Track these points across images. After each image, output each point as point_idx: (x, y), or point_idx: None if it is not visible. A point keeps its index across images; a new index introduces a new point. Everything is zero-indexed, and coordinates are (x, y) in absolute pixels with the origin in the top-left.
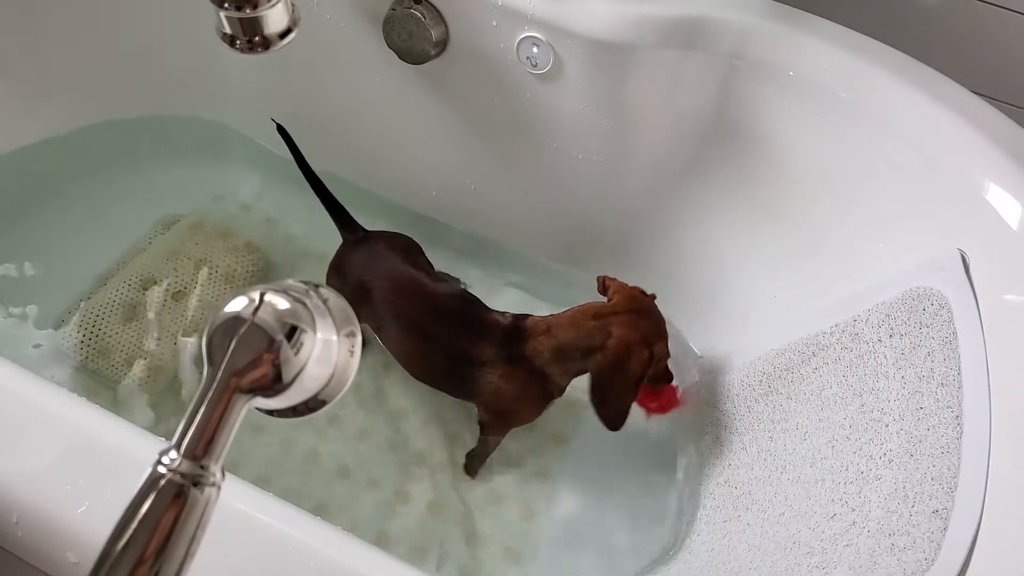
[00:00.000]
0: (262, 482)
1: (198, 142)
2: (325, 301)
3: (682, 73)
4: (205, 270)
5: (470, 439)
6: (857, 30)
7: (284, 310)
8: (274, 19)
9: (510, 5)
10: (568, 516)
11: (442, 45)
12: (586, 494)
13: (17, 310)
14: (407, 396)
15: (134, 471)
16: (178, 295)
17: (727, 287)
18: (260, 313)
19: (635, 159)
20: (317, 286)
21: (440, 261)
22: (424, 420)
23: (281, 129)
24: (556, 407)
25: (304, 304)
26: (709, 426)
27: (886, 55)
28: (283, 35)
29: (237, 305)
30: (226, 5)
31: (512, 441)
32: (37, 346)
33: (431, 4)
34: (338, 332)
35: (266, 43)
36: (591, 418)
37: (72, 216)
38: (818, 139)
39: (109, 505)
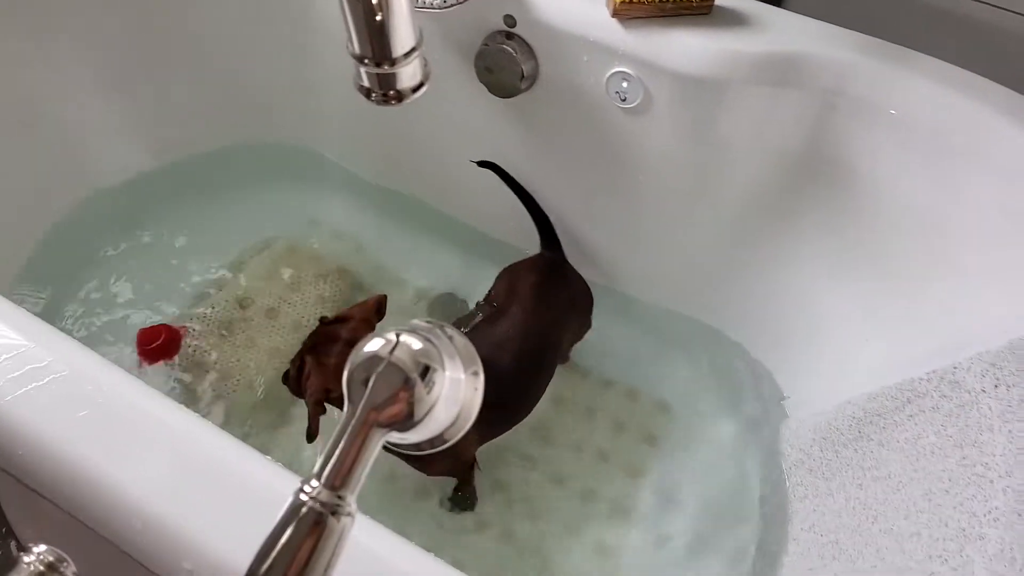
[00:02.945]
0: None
1: (296, 169)
2: (452, 340)
3: (775, 109)
4: (298, 294)
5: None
6: (959, 65)
7: (418, 350)
8: (408, 74)
9: (601, 41)
10: (641, 551)
11: (532, 79)
12: (662, 527)
13: (119, 325)
14: None
15: (246, 489)
16: (271, 313)
17: (817, 326)
18: (396, 352)
19: (725, 194)
20: (443, 326)
21: None
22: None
23: (487, 163)
24: (627, 438)
25: (434, 344)
26: (793, 468)
27: (995, 93)
28: (415, 89)
29: (375, 345)
30: (366, 61)
31: (584, 478)
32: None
33: (522, 39)
34: (465, 371)
35: (400, 96)
36: (668, 452)
37: (174, 238)
38: (920, 180)
39: (224, 519)
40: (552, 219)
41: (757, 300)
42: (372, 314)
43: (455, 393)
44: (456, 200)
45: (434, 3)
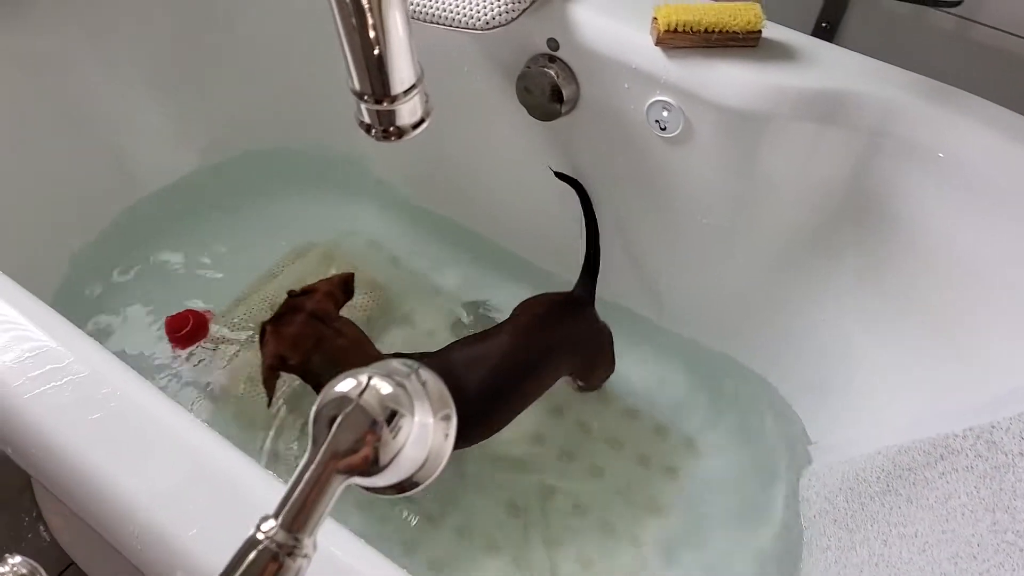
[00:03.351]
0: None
1: (338, 178)
2: (424, 384)
3: (819, 147)
4: None
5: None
6: (1015, 109)
7: (387, 394)
8: (409, 111)
9: (643, 68)
10: None
11: (572, 103)
12: (676, 566)
13: (152, 329)
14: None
15: (243, 502)
16: None
17: (849, 371)
18: (365, 395)
19: (762, 228)
20: (419, 368)
21: None
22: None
23: (562, 175)
24: (650, 472)
25: (405, 388)
26: (816, 517)
27: None
28: (416, 125)
29: (345, 385)
30: (365, 98)
31: (609, 504)
32: (167, 364)
33: (565, 63)
34: (435, 415)
35: (400, 132)
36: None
37: (214, 240)
38: (967, 228)
39: (218, 531)
40: (577, 244)
41: (790, 339)
42: (337, 289)
43: (423, 438)
44: (491, 221)
45: (476, 24)
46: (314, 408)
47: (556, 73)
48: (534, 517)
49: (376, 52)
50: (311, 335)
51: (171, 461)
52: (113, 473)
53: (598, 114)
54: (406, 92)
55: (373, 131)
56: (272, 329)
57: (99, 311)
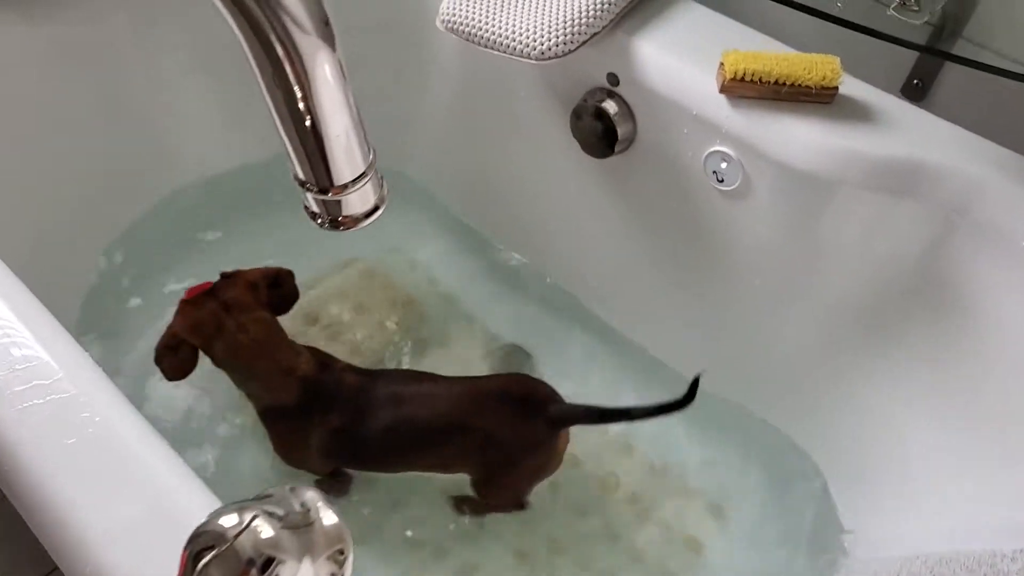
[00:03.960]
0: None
1: (394, 189)
2: (315, 524)
3: (888, 219)
4: (366, 316)
5: None
6: None
7: (266, 540)
8: (359, 199)
9: (704, 115)
10: None
11: (628, 142)
12: None
13: None
14: None
15: None
16: (333, 335)
17: (897, 463)
18: (242, 537)
19: (818, 297)
20: (319, 501)
21: (576, 347)
22: None
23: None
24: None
25: (294, 527)
26: None
27: None
28: (369, 214)
29: (226, 521)
30: (308, 187)
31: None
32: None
33: (623, 100)
34: (322, 557)
35: (349, 223)
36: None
37: (252, 240)
38: None
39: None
40: (628, 287)
41: (838, 419)
42: (262, 281)
43: None
44: (534, 249)
45: (530, 54)
46: (188, 539)
47: (613, 110)
48: (541, 569)
49: (315, 142)
50: (213, 323)
51: (135, 497)
52: (74, 503)
53: (653, 157)
54: (354, 181)
55: (319, 220)
56: (182, 306)
57: (134, 294)
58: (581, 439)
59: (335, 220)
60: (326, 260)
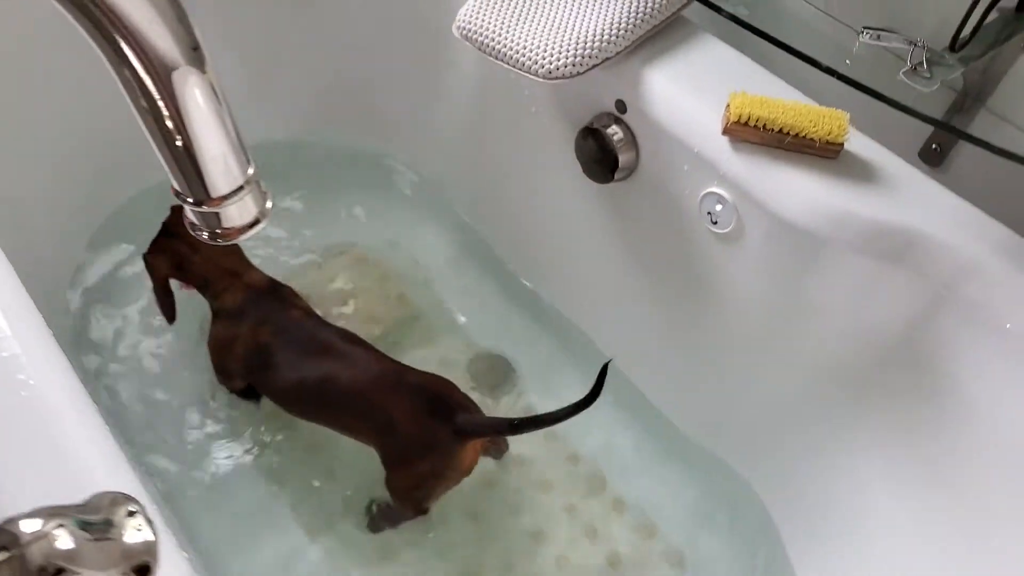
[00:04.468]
0: None
1: (397, 185)
2: (115, 539)
3: (876, 284)
4: (352, 304)
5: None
6: None
7: (61, 550)
8: (238, 212)
9: (704, 154)
10: None
11: (628, 171)
12: None
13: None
14: None
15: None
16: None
17: (859, 532)
18: (37, 544)
19: (797, 352)
20: (131, 513)
21: (558, 366)
22: None
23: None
24: None
25: (100, 539)
26: None
27: None
28: (250, 226)
29: (27, 525)
30: (183, 197)
31: None
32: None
33: (628, 128)
34: (116, 571)
35: (228, 234)
36: None
37: (274, 222)
38: None
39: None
40: (615, 314)
41: (804, 477)
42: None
43: None
44: (528, 263)
45: (538, 72)
46: None
47: (617, 136)
48: None
49: (189, 160)
50: (173, 257)
51: (43, 463)
52: None
53: (652, 189)
54: (232, 193)
55: (197, 230)
56: (146, 261)
57: (129, 264)
58: (551, 466)
59: (213, 232)
60: (328, 244)
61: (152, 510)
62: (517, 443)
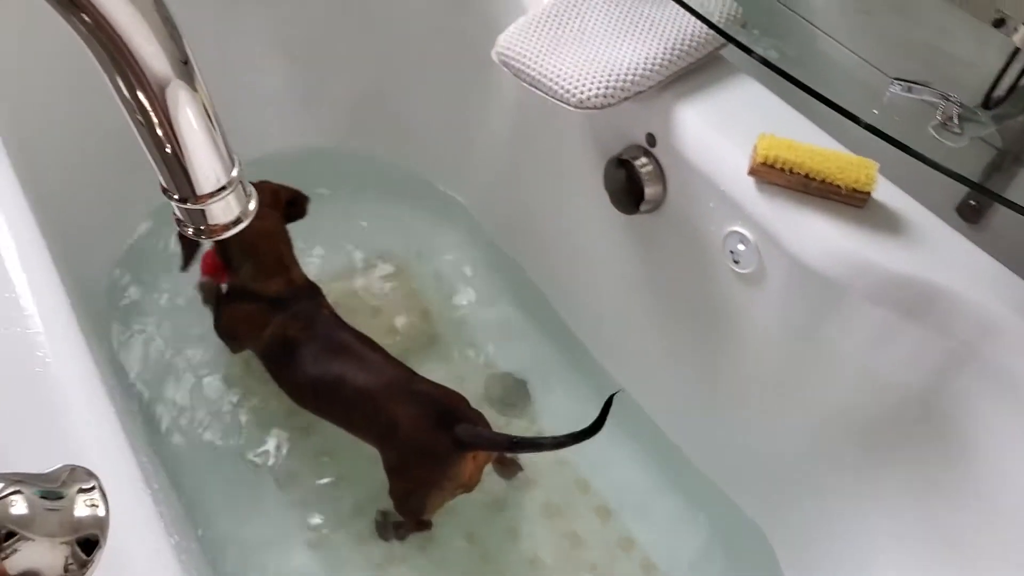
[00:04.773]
0: None
1: (431, 199)
2: (63, 509)
3: (895, 337)
4: (375, 315)
5: None
6: None
7: (14, 515)
8: (222, 210)
9: (729, 193)
10: None
11: (655, 204)
12: None
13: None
14: None
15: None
16: None
17: None
18: None
19: (811, 399)
20: (87, 486)
21: (574, 393)
22: None
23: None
24: None
25: (47, 508)
26: None
27: None
28: (234, 223)
29: None
30: (172, 195)
31: None
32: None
33: (657, 162)
34: (59, 541)
35: (212, 232)
36: None
37: (294, 227)
38: None
39: None
40: (634, 346)
41: (812, 524)
42: (282, 192)
43: (42, 563)
44: (553, 283)
45: (569, 100)
46: None
47: (645, 169)
48: None
49: (171, 152)
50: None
51: (45, 437)
52: None
53: (676, 224)
54: (216, 192)
55: (182, 227)
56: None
57: (168, 270)
58: (557, 491)
59: (198, 228)
60: (357, 255)
61: (141, 491)
62: (527, 465)
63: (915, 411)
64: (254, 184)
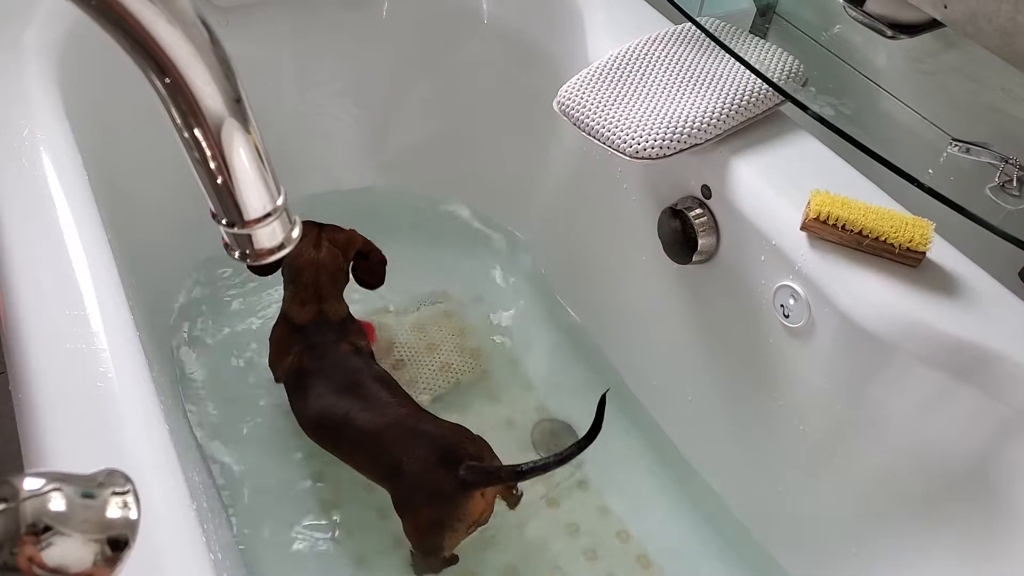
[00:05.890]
0: None
1: (491, 244)
2: (95, 509)
3: (946, 401)
4: (429, 353)
5: None
6: None
7: (53, 511)
8: (267, 236)
9: (781, 248)
10: None
11: (708, 255)
12: None
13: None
14: None
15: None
16: (397, 364)
17: None
18: (31, 501)
19: (858, 462)
20: (117, 491)
21: (622, 442)
22: None
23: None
24: None
25: (84, 506)
26: None
27: None
28: (278, 249)
29: (28, 483)
30: (221, 220)
31: None
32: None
33: (712, 213)
34: (90, 539)
35: (257, 255)
36: None
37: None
38: None
39: None
40: (682, 397)
41: None
42: (358, 241)
43: (73, 558)
44: (604, 330)
45: (625, 151)
46: None
47: (700, 220)
48: None
49: (221, 182)
50: (307, 231)
51: (98, 451)
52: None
53: (728, 275)
54: (262, 218)
55: (229, 250)
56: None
57: (235, 287)
58: (595, 537)
59: (244, 252)
60: (415, 293)
61: (183, 500)
62: (565, 511)
63: (967, 481)
64: (347, 231)
